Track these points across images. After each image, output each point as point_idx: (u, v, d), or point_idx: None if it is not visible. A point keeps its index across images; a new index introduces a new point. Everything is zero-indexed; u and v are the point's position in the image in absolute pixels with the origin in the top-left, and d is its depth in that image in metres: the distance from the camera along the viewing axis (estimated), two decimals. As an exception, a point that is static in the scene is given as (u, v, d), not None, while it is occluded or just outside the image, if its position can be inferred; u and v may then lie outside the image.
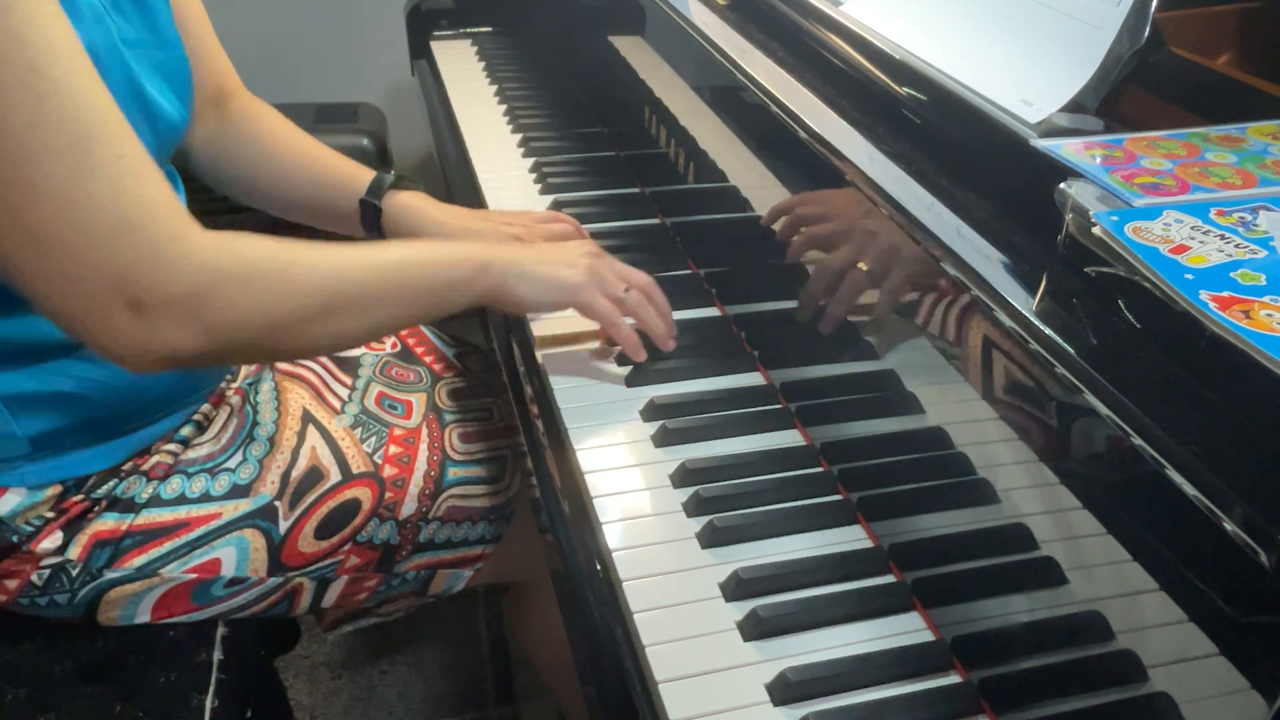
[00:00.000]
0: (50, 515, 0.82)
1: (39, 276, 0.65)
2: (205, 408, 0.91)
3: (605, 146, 1.31)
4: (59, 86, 0.63)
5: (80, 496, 0.83)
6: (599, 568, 0.71)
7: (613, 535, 0.72)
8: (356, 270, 0.76)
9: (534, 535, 0.98)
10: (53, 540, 0.82)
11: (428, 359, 1.06)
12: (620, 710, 0.64)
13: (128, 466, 0.85)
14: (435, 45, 1.64)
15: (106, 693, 0.84)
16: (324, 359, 1.00)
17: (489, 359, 1.01)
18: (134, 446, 0.86)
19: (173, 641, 0.89)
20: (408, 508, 0.93)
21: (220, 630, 0.91)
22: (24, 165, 0.62)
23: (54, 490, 0.82)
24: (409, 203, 0.99)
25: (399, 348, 1.06)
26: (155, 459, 0.86)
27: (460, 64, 1.57)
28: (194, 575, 0.86)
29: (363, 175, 1.01)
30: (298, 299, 0.72)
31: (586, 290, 0.85)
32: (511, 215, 1.03)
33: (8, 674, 0.86)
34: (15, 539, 0.82)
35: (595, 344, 0.91)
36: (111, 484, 0.84)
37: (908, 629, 0.66)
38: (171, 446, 0.88)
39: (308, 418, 0.93)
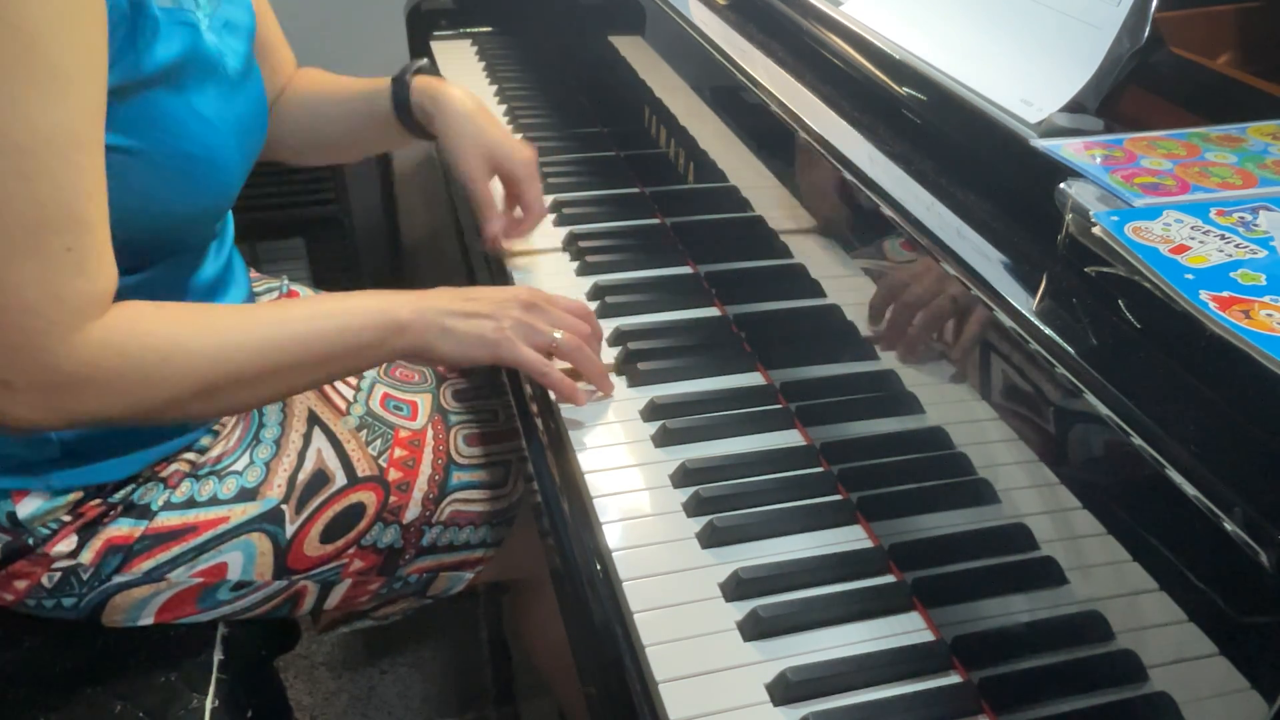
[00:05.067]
0: (67, 519, 0.82)
1: None
2: (227, 419, 0.91)
3: (605, 146, 1.31)
4: (48, 172, 0.64)
5: (98, 501, 0.83)
6: (599, 568, 0.71)
7: (613, 535, 0.72)
8: (248, 343, 0.74)
9: (535, 534, 0.98)
10: (67, 544, 0.82)
11: None
12: (620, 710, 0.64)
13: (146, 473, 0.85)
14: (435, 45, 1.64)
15: (106, 693, 0.84)
16: None
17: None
18: (156, 457, 0.86)
19: (173, 641, 0.89)
20: (411, 512, 0.93)
21: (220, 630, 0.91)
22: None
23: (75, 496, 0.82)
24: (436, 80, 1.01)
25: None
26: (174, 467, 0.86)
27: (460, 64, 1.57)
28: (200, 579, 0.86)
29: (385, 80, 1.03)
30: (173, 385, 0.72)
31: (509, 345, 0.81)
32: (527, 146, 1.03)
33: (8, 674, 0.86)
34: (31, 541, 0.82)
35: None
36: (129, 489, 0.84)
37: (908, 629, 0.66)
38: (190, 455, 0.87)
39: (313, 419, 0.93)
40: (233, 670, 0.88)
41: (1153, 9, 0.64)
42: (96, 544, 0.83)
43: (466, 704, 1.51)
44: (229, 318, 0.77)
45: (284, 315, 0.78)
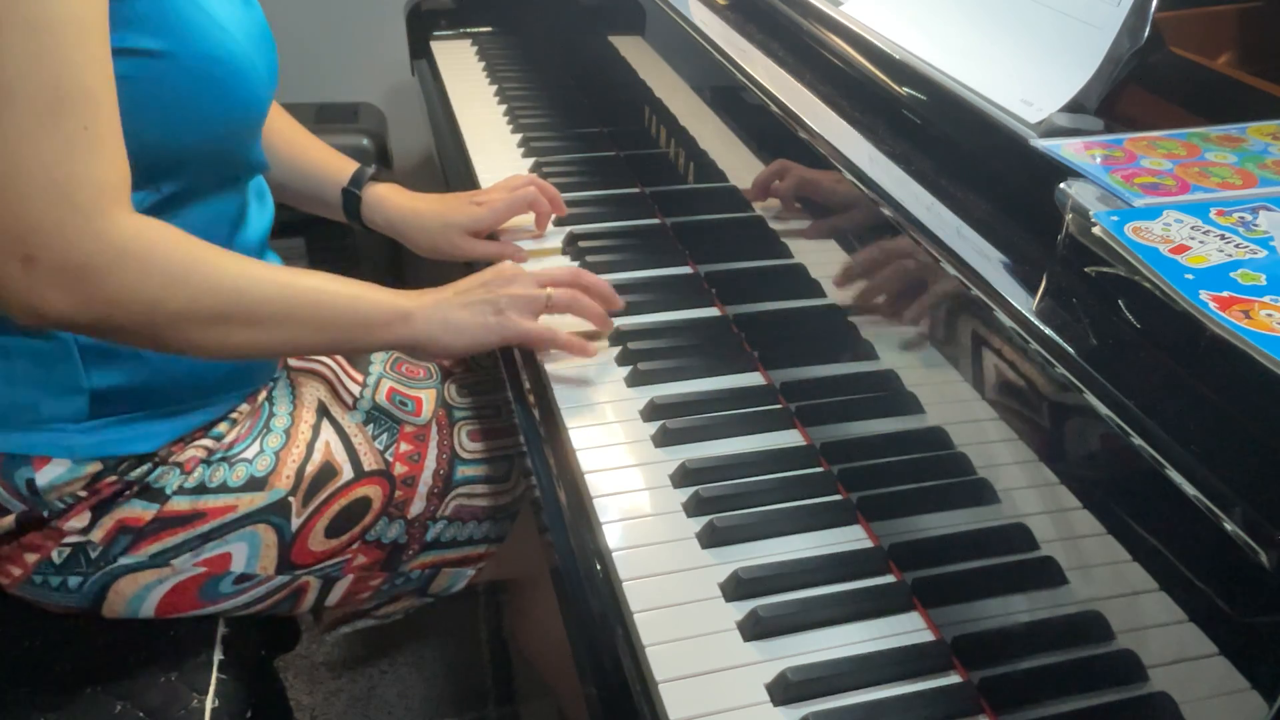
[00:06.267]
0: (83, 494, 0.83)
1: None
2: (244, 407, 0.92)
3: (605, 146, 1.31)
4: (62, 49, 0.66)
5: (114, 478, 0.84)
6: (599, 568, 0.71)
7: (613, 535, 0.72)
8: (265, 286, 0.77)
9: (535, 534, 0.98)
10: (80, 519, 0.83)
11: None
12: (620, 710, 0.64)
13: (163, 453, 0.86)
14: (435, 45, 1.64)
15: (106, 692, 0.84)
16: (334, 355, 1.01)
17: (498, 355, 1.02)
18: (177, 432, 0.86)
19: (173, 641, 0.89)
20: (416, 506, 0.93)
21: (220, 630, 0.91)
22: None
23: (94, 468, 0.83)
24: (384, 193, 1.07)
25: None
26: (190, 452, 0.87)
27: (460, 64, 1.57)
28: (204, 569, 0.87)
29: (346, 167, 1.08)
30: (191, 298, 0.73)
31: (511, 324, 0.85)
32: (478, 192, 1.09)
33: (8, 674, 0.86)
34: (46, 513, 0.82)
35: (596, 343, 0.91)
36: (145, 469, 0.85)
37: (908, 629, 0.66)
38: (206, 441, 0.88)
39: (323, 411, 0.94)
40: (233, 670, 0.89)
41: (1153, 9, 0.64)
42: (108, 523, 0.83)
43: (466, 704, 1.51)
44: (252, 262, 0.80)
45: (303, 275, 0.81)
